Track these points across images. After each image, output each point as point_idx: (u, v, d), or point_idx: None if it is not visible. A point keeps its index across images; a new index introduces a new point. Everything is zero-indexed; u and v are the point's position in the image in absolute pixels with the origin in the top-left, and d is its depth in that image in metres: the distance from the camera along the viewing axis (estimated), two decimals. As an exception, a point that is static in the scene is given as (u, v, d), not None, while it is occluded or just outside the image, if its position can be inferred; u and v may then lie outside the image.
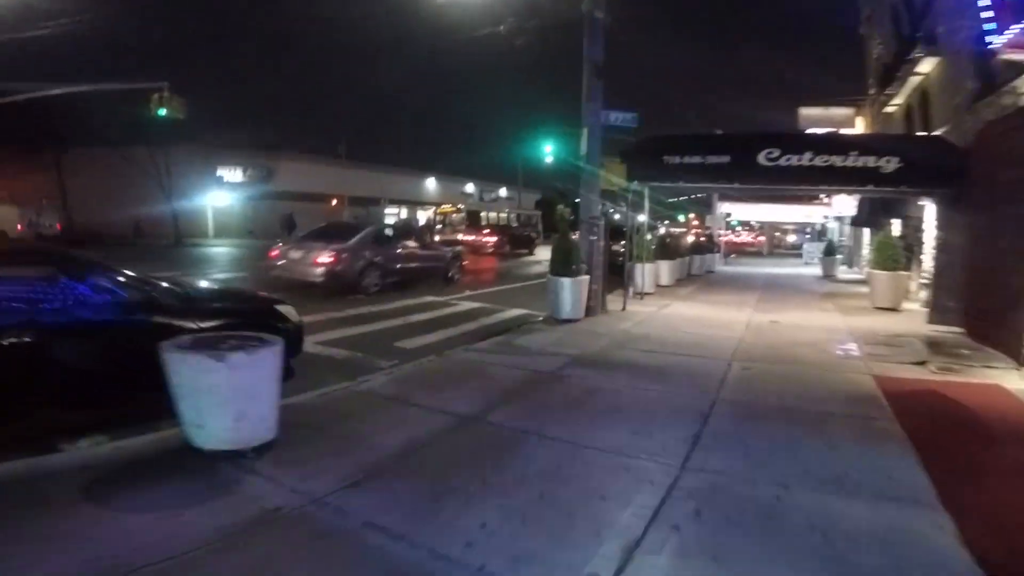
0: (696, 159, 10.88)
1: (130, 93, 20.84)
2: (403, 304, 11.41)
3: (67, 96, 26.46)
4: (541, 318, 9.83)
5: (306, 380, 5.59)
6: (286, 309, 6.13)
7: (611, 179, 10.57)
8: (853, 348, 8.06)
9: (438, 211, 39.83)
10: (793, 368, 6.85)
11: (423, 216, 41.76)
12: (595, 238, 9.98)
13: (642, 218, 12.81)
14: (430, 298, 12.22)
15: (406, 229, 18.83)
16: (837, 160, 10.23)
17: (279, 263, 12.77)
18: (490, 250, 30.44)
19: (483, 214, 40.12)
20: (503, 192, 58.28)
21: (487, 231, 33.47)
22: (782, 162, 10.34)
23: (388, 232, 14.30)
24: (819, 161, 10.28)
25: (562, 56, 13.34)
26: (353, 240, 12.73)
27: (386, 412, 4.91)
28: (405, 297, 12.20)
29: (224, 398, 3.77)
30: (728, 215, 30.46)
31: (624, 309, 10.76)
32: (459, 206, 39.98)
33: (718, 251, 26.13)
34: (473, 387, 5.65)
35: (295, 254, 12.68)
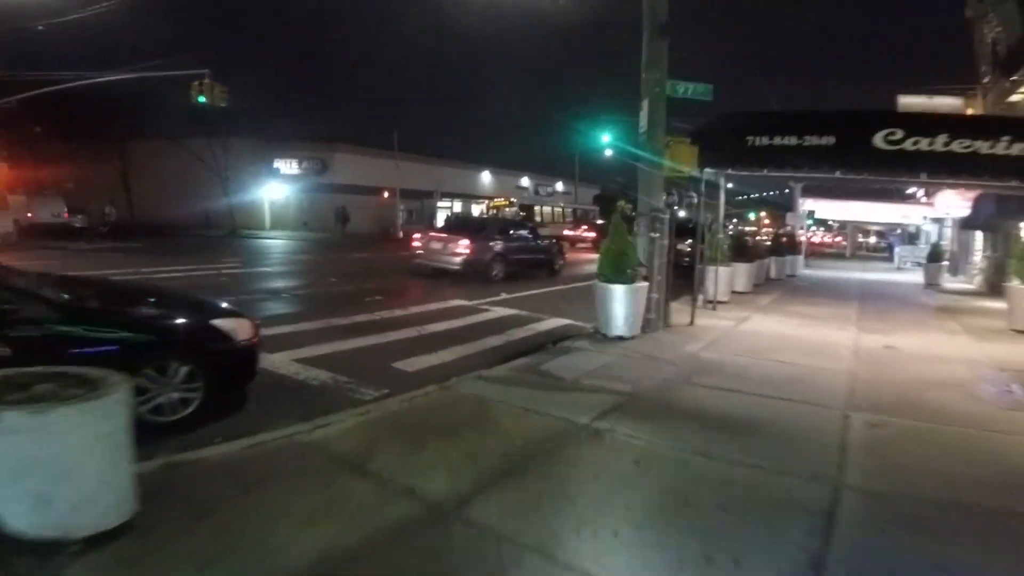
0: (790, 140, 8.72)
1: (186, 86, 20.35)
2: (424, 310, 9.80)
3: (127, 89, 26.66)
4: (588, 332, 7.96)
5: (257, 416, 4.42)
6: (231, 324, 4.58)
7: (678, 165, 8.51)
8: (1019, 392, 5.78)
9: (491, 205, 38.34)
10: (943, 427, 4.70)
11: (476, 210, 40.40)
12: (657, 235, 8.00)
13: (715, 214, 10.65)
14: (458, 302, 10.58)
15: (521, 224, 20.58)
16: (983, 146, 7.82)
17: (420, 252, 14.83)
18: (588, 244, 30.69)
19: (538, 209, 38.32)
20: (559, 186, 56.19)
21: (585, 227, 35.70)
22: (907, 146, 8.03)
23: (509, 226, 16.43)
24: (958, 147, 7.89)
25: (621, 38, 11.40)
26: (484, 232, 14.64)
27: (322, 486, 3.24)
28: (429, 300, 10.61)
29: (6, 474, 2.25)
30: (811, 213, 27.23)
31: (692, 323, 8.72)
32: (512, 200, 38.33)
33: (800, 253, 23.27)
34: (465, 446, 3.90)
35: (435, 245, 14.49)
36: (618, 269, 7.42)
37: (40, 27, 18.16)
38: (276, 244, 27.75)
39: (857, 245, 49.02)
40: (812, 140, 8.54)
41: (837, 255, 39.62)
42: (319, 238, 31.67)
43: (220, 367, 4.38)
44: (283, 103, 66.35)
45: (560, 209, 40.43)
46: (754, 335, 8.45)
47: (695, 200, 9.16)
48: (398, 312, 9.46)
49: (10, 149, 30.71)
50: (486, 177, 49.58)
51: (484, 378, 5.64)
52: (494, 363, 6.32)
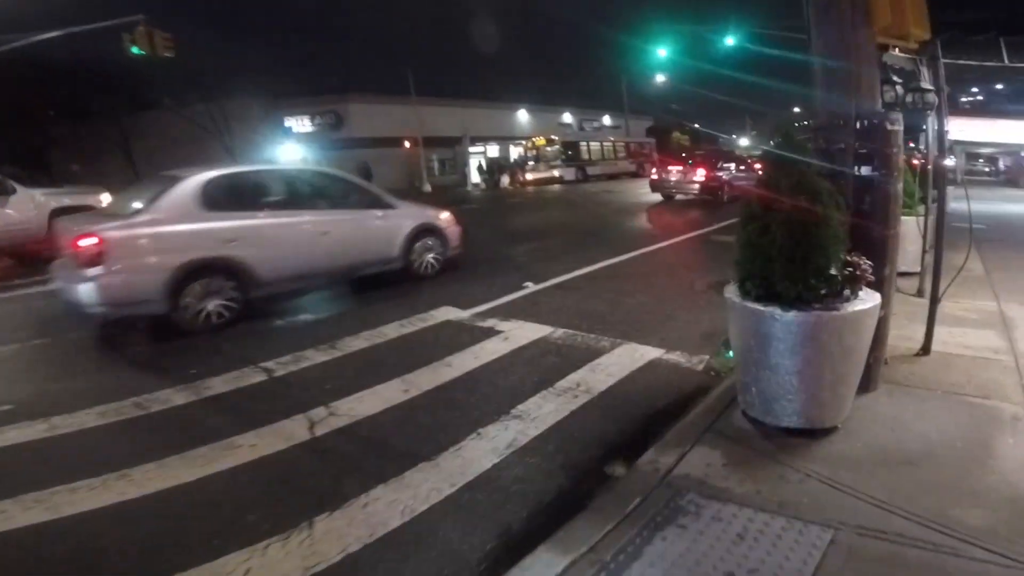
0: None
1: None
2: (383, 340, 5.44)
3: (124, 62, 23.36)
4: (709, 402, 3.49)
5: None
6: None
7: (895, 27, 3.58)
8: None
9: (529, 144, 33.29)
10: None
11: (515, 151, 35.41)
12: (872, 171, 3.24)
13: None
14: (452, 314, 6.14)
15: (739, 158, 20.62)
16: None
17: (662, 183, 17.87)
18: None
19: (584, 145, 33.00)
20: (606, 120, 49.94)
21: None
22: None
23: (731, 158, 17.10)
24: None
25: None
26: (713, 163, 16.22)
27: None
28: (405, 311, 6.24)
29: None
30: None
31: (926, 350, 4.04)
32: (553, 137, 33.07)
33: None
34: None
35: (674, 177, 17.40)
36: (803, 269, 2.80)
37: None
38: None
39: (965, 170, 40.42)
40: None
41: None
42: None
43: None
44: (289, 56, 61.61)
45: (611, 144, 34.88)
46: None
47: (929, 94, 4.08)
48: (328, 355, 5.21)
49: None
50: (523, 116, 44.07)
51: None
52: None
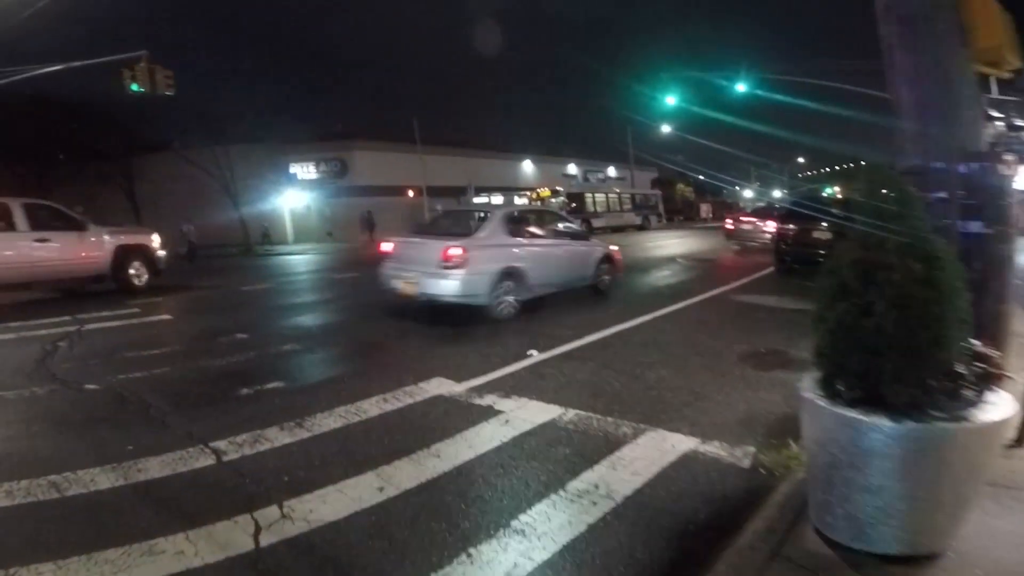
0: None
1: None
2: (360, 419, 4.57)
3: (129, 102, 23.48)
4: (776, 532, 2.61)
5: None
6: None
7: (989, 46, 2.93)
8: None
9: (535, 196, 33.08)
10: None
11: (519, 202, 35.20)
12: (995, 230, 2.50)
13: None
14: (445, 387, 5.28)
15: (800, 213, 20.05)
16: None
17: (735, 232, 19.36)
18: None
19: (589, 197, 32.79)
20: (611, 171, 50.23)
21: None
22: None
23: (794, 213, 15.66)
24: None
25: None
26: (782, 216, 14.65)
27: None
28: (389, 383, 5.39)
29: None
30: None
31: (1020, 442, 3.19)
32: (558, 188, 32.91)
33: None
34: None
35: (746, 227, 18.63)
36: (920, 365, 2.00)
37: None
38: (296, 260, 23.42)
39: None
40: None
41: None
42: (349, 249, 27.28)
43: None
44: (294, 100, 62.53)
45: (616, 195, 34.70)
46: None
47: None
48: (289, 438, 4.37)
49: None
50: (528, 167, 44.36)
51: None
52: None
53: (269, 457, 3.89)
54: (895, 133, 2.73)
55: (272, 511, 3.17)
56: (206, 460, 3.85)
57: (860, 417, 2.08)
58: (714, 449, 3.83)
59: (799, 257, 12.77)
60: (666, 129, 41.53)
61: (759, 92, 15.92)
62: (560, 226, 10.08)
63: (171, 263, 19.82)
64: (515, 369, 5.74)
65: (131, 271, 12.26)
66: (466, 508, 3.17)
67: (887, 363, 2.01)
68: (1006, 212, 2.42)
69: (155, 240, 13.04)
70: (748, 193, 70.42)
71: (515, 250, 8.46)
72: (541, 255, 8.89)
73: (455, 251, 7.69)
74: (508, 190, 36.80)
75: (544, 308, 9.19)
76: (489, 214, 8.89)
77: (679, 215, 48.77)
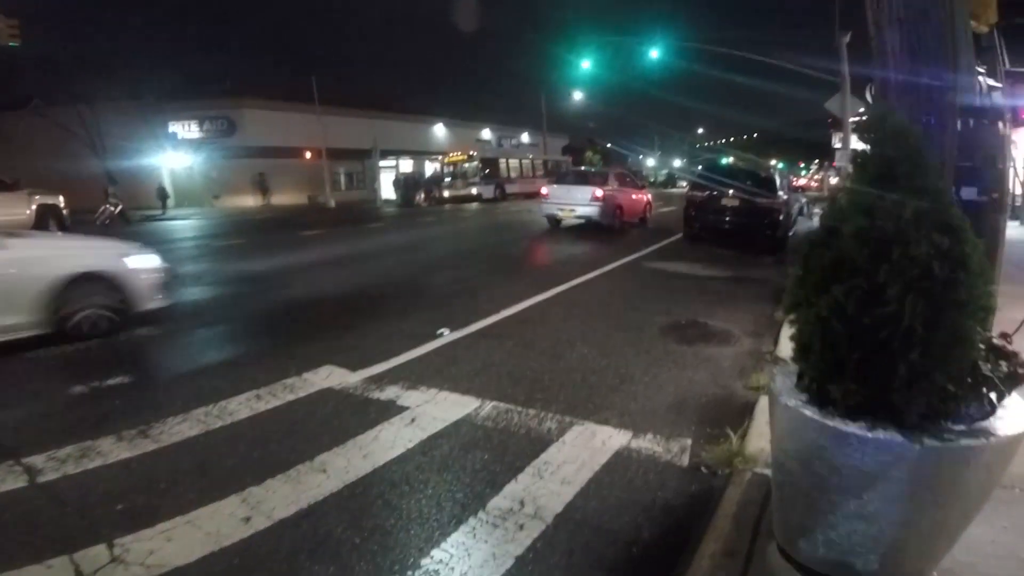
0: None
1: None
2: (224, 423, 3.68)
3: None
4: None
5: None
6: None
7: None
8: None
9: (446, 160, 31.90)
10: None
11: (430, 167, 33.86)
12: (990, 200, 2.10)
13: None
14: (336, 378, 4.45)
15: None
16: None
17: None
18: None
19: (503, 163, 32.12)
20: (525, 137, 49.71)
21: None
22: None
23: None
24: None
25: None
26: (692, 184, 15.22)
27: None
28: (266, 374, 4.50)
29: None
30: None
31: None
32: (471, 153, 31.89)
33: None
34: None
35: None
36: (943, 366, 1.53)
37: None
38: (179, 228, 20.95)
39: None
40: None
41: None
42: (235, 214, 24.84)
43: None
44: (172, 54, 56.37)
45: (529, 161, 34.24)
46: None
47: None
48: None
49: None
50: (439, 130, 42.77)
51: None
52: None
53: (100, 477, 3.01)
54: (875, 84, 2.26)
55: (99, 552, 2.39)
56: (15, 481, 2.94)
57: (864, 434, 1.60)
58: (648, 444, 3.37)
59: (707, 224, 12.91)
60: (578, 96, 41.37)
61: (671, 59, 15.78)
62: (627, 180, 17.79)
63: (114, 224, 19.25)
64: (423, 352, 5.04)
65: (50, 228, 13.87)
66: (361, 543, 2.50)
67: (901, 363, 1.53)
68: (1005, 180, 2.03)
69: (62, 200, 15.52)
70: (651, 161, 72.66)
71: (619, 194, 16.00)
72: (628, 196, 16.51)
73: (599, 193, 15.08)
74: (418, 154, 35.31)
75: (458, 280, 8.51)
76: (609, 173, 17.30)
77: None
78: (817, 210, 21.61)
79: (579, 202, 15.07)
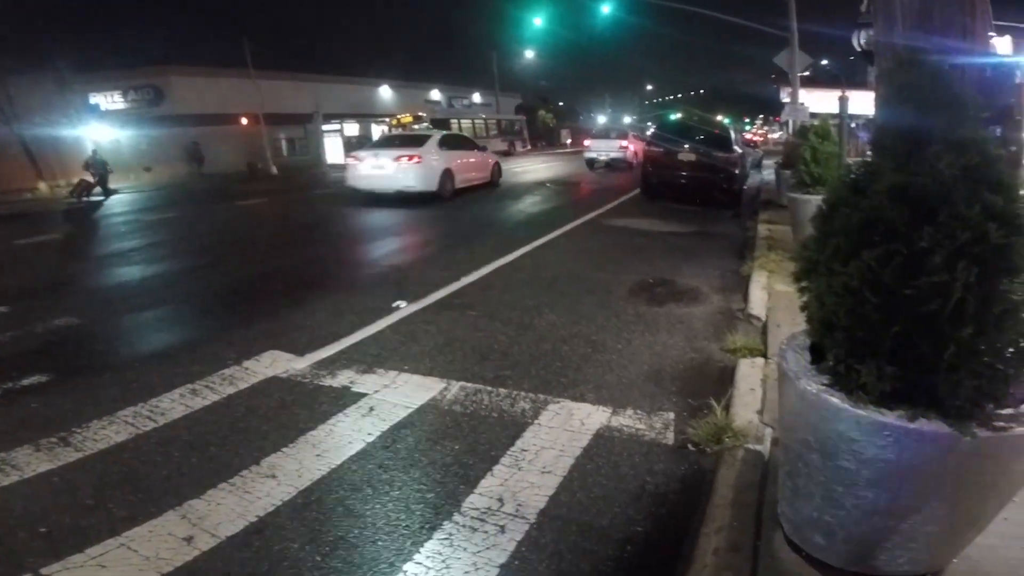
0: None
1: None
2: (156, 425, 3.24)
3: None
4: None
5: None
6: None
7: None
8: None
9: (394, 122, 30.72)
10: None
11: (376, 130, 32.53)
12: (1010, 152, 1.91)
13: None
14: (281, 364, 4.02)
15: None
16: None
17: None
18: None
19: (455, 123, 31.18)
20: (476, 98, 48.41)
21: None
22: None
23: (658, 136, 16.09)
24: None
25: None
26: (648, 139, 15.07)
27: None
28: (200, 364, 4.06)
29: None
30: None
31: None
32: (420, 114, 30.77)
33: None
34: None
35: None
36: (995, 343, 1.30)
37: None
38: (108, 203, 19.42)
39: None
40: None
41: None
42: (173, 186, 23.30)
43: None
44: (91, 19, 51.88)
45: (482, 122, 33.35)
46: None
47: None
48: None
49: None
50: (385, 92, 41.08)
51: None
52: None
53: (18, 495, 2.61)
54: (880, 14, 1.97)
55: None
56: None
57: (905, 425, 1.38)
58: (629, 421, 3.15)
59: (664, 180, 12.78)
60: (530, 55, 40.34)
61: (622, 15, 15.30)
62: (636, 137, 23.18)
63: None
64: (378, 329, 4.66)
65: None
66: (323, 561, 2.20)
67: (951, 341, 1.30)
68: (1020, 130, 1.81)
69: None
70: (602, 119, 72.35)
71: (633, 144, 21.63)
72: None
73: (624, 144, 22.16)
74: (364, 116, 33.84)
75: (414, 246, 8.09)
76: (628, 132, 24.06)
77: (542, 141, 48.71)
78: (768, 163, 21.78)
79: (612, 150, 22.42)
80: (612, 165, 22.12)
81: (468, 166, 14.79)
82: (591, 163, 22.62)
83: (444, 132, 16.68)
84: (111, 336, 4.96)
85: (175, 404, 3.46)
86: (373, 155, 13.05)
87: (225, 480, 2.71)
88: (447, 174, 13.40)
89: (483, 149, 16.13)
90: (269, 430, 3.15)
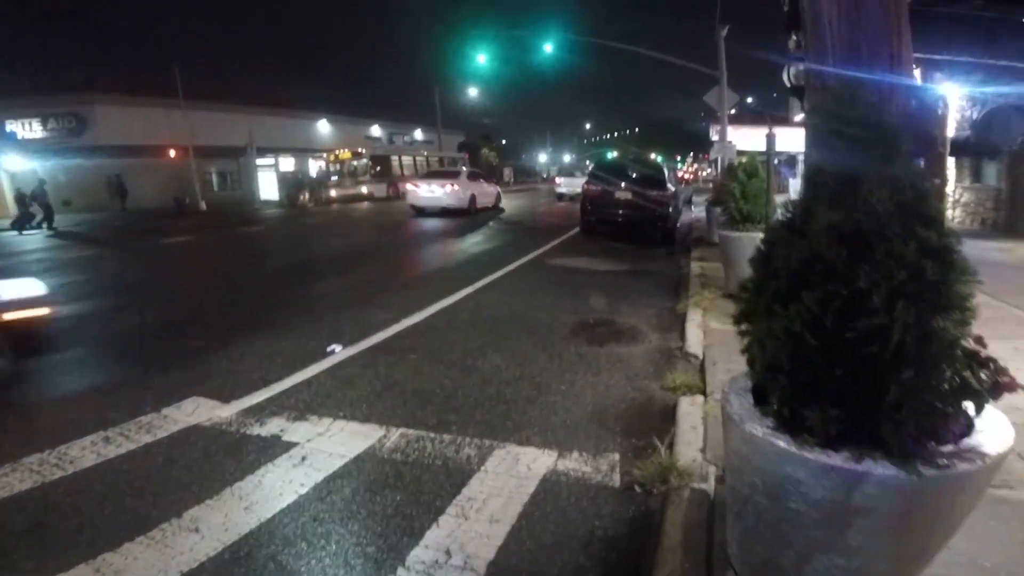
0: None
1: None
2: (63, 474, 2.89)
3: None
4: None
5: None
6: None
7: None
8: None
9: (332, 157, 30.33)
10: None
11: (314, 166, 31.99)
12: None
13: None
14: (204, 412, 3.73)
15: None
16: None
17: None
18: None
19: (396, 160, 31.11)
20: (418, 134, 48.66)
21: None
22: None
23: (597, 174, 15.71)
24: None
25: None
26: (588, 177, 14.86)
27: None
28: (117, 408, 3.71)
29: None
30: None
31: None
32: (360, 150, 30.52)
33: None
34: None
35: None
36: (928, 378, 1.33)
37: None
38: (21, 239, 17.92)
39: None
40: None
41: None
42: (93, 222, 21.85)
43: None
44: (8, 43, 49.44)
45: (424, 158, 33.45)
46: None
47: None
48: None
49: None
50: (324, 127, 40.66)
51: None
52: None
53: None
54: (811, 47, 2.07)
55: None
56: None
57: (852, 467, 1.38)
58: (576, 464, 3.09)
59: (602, 217, 13.13)
60: (473, 92, 41.07)
61: (563, 54, 15.90)
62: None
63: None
64: (311, 374, 4.43)
65: None
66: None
67: (892, 383, 1.32)
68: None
69: None
70: (543, 157, 74.23)
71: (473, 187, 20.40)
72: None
73: (584, 182, 14.84)
74: (301, 151, 33.24)
75: (351, 287, 7.85)
76: (461, 170, 23.49)
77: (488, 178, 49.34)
78: (698, 199, 22.87)
79: (577, 186, 21.66)
80: (577, 199, 23.69)
81: (484, 193, 21.08)
82: (560, 197, 27.35)
83: (470, 168, 24.59)
84: (15, 379, 4.47)
85: (86, 452, 3.14)
86: (427, 183, 19.56)
87: (143, 533, 2.45)
88: (472, 198, 19.65)
89: (493, 182, 23.10)
90: (191, 481, 2.89)
